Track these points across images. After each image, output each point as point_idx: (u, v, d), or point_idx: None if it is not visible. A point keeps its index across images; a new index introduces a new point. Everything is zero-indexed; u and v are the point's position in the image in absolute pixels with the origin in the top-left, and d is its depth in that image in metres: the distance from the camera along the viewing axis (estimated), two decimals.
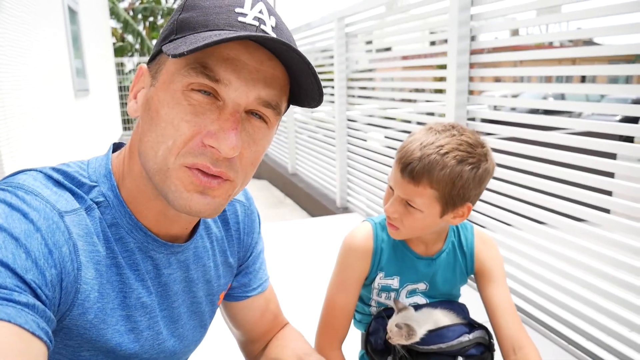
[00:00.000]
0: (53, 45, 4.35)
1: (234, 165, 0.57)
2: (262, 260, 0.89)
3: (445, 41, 2.49)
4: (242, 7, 0.56)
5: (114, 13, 14.35)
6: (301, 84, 0.60)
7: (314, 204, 4.70)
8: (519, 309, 2.15)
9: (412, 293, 1.08)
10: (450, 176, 0.91)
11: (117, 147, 0.69)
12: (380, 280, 1.07)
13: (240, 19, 0.55)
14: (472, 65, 2.41)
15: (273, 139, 0.83)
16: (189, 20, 0.56)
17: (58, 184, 0.59)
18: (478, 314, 1.08)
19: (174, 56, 0.50)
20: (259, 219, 0.88)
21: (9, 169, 2.71)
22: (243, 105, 0.56)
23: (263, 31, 0.55)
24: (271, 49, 0.56)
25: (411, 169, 0.92)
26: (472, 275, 1.11)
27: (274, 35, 0.56)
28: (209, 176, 0.56)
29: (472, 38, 2.40)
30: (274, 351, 0.87)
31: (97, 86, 6.76)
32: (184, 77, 0.54)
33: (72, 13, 5.41)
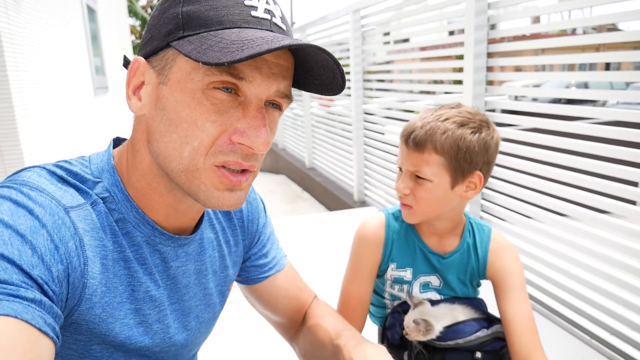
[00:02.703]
0: (72, 44, 4.41)
1: (259, 156, 0.60)
2: (274, 240, 0.90)
3: (463, 31, 2.44)
4: None
5: (132, 11, 14.52)
6: (314, 75, 0.61)
7: (332, 198, 4.68)
8: (541, 303, 2.11)
9: (425, 287, 1.06)
10: (453, 138, 0.93)
11: (116, 141, 0.68)
12: (392, 272, 1.06)
13: (253, 13, 0.55)
14: (490, 55, 2.35)
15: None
16: (197, 14, 0.54)
17: (62, 180, 0.58)
18: (497, 308, 1.05)
19: (211, 65, 0.49)
20: (262, 203, 0.89)
21: (30, 164, 2.77)
22: (264, 99, 0.57)
23: (275, 24, 0.57)
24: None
25: (414, 136, 0.95)
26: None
27: (283, 26, 0.58)
28: (237, 174, 0.58)
29: (492, 27, 2.35)
30: (309, 334, 0.87)
31: (116, 83, 6.85)
32: (205, 76, 0.53)
33: (91, 12, 5.48)
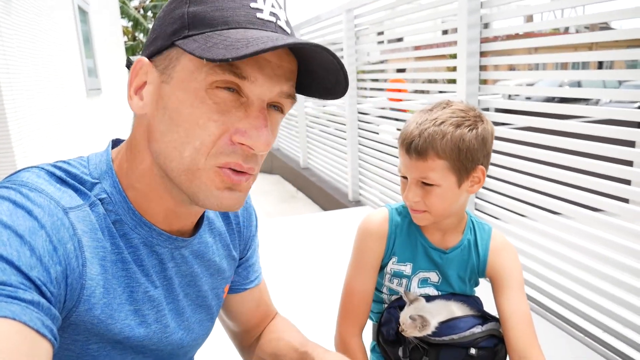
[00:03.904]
0: (64, 46, 4.39)
1: (258, 159, 0.60)
2: (258, 253, 0.92)
3: (456, 30, 2.45)
4: (256, 1, 0.56)
5: (124, 12, 14.47)
6: (317, 78, 0.61)
7: (326, 197, 4.68)
8: (534, 301, 2.12)
9: (423, 283, 1.06)
10: (453, 141, 0.94)
11: (115, 142, 0.68)
12: (392, 265, 1.06)
13: (259, 15, 0.56)
14: (484, 54, 2.36)
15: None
16: (203, 15, 0.54)
17: (61, 180, 0.58)
18: (493, 306, 1.06)
19: (215, 61, 0.49)
20: (255, 213, 0.89)
21: (22, 167, 2.75)
22: (267, 101, 0.57)
23: (280, 27, 0.57)
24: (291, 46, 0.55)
25: (415, 145, 0.96)
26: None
27: (288, 30, 0.59)
28: (238, 174, 0.58)
29: (485, 26, 2.35)
30: (269, 345, 0.88)
31: (109, 85, 6.82)
32: (208, 75, 0.53)
33: (83, 13, 5.45)
